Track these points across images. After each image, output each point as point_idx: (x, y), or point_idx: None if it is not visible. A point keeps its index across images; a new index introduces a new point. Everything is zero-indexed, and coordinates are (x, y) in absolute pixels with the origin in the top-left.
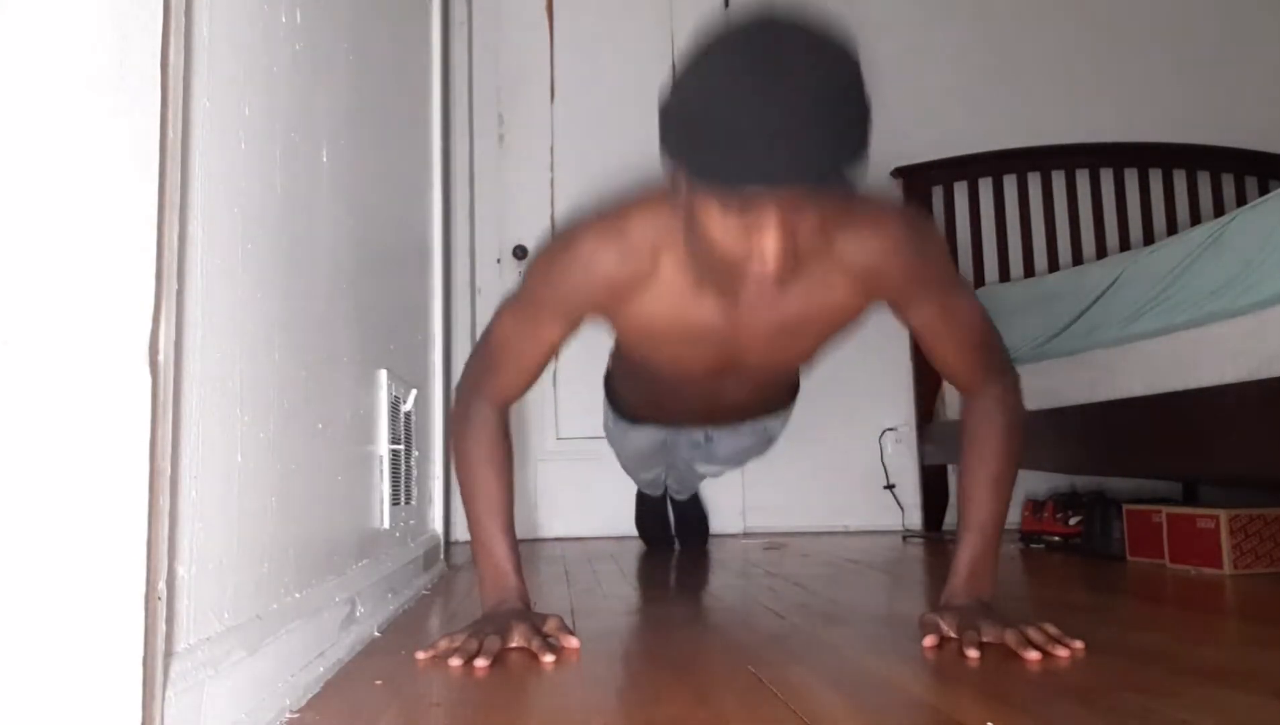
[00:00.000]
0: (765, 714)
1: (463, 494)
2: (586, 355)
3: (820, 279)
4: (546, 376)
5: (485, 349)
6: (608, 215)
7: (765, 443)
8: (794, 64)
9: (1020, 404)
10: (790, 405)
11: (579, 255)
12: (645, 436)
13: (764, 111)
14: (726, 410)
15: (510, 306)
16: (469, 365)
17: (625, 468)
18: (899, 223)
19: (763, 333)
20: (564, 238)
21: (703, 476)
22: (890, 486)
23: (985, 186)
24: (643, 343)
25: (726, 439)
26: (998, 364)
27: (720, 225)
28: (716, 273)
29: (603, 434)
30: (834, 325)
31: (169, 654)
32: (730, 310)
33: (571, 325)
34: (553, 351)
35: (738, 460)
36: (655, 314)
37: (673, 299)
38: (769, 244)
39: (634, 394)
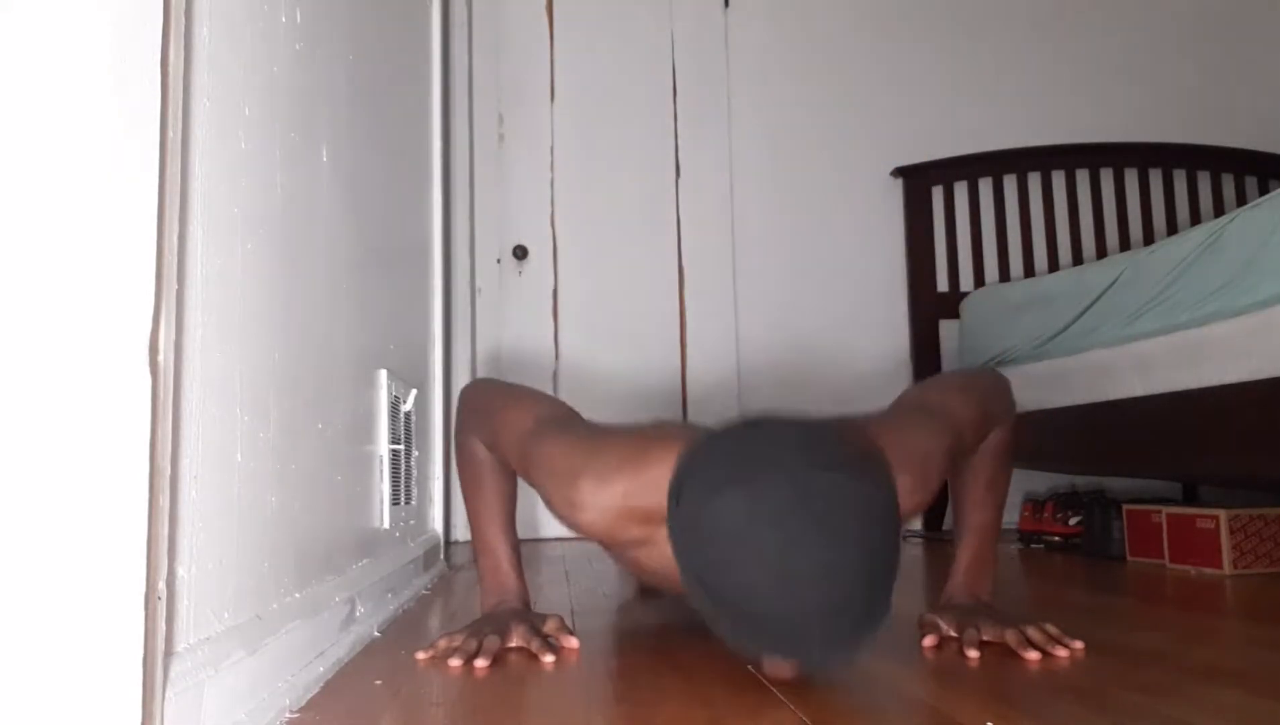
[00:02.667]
0: (765, 714)
1: (464, 492)
2: (587, 355)
3: None
4: (547, 376)
5: (489, 407)
6: (621, 465)
7: None
8: (832, 542)
9: (1012, 409)
10: None
11: (577, 503)
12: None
13: (800, 606)
14: None
15: (519, 403)
16: (471, 410)
17: None
18: (922, 453)
19: None
20: (572, 473)
21: None
22: None
23: (985, 186)
24: (641, 576)
25: None
26: (995, 416)
27: (735, 645)
28: None
29: None
30: None
31: (169, 654)
32: None
33: None
34: None
35: None
36: (653, 567)
37: (671, 565)
38: (785, 675)
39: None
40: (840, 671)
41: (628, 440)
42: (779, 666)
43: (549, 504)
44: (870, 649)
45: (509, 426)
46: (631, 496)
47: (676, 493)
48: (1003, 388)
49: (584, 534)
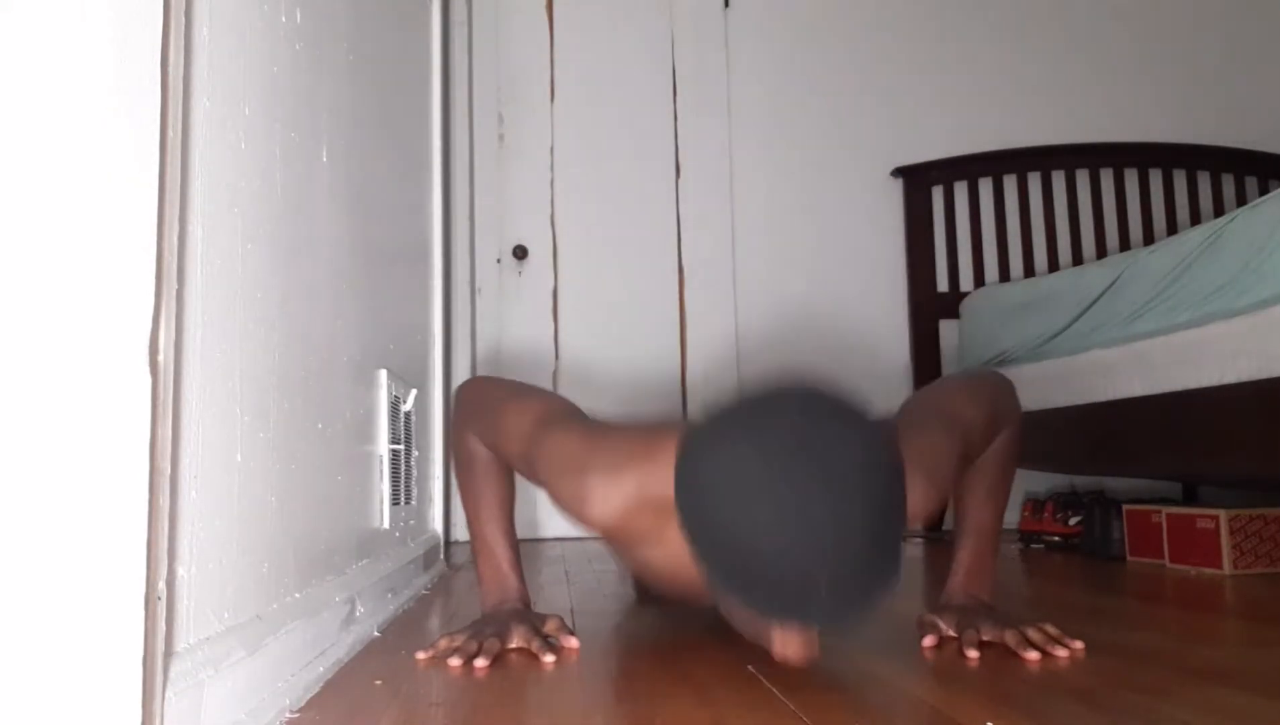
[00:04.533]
0: (765, 714)
1: (462, 493)
2: (586, 354)
3: None
4: (547, 376)
5: (489, 406)
6: (628, 458)
7: None
8: (838, 491)
9: (1018, 412)
10: None
11: (587, 498)
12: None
13: (808, 560)
14: None
15: (521, 406)
16: (470, 408)
17: None
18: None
19: None
20: (579, 468)
21: None
22: None
23: (985, 186)
24: (646, 580)
25: None
26: (1002, 418)
27: (745, 618)
28: None
29: None
30: None
31: (169, 654)
32: None
33: None
34: None
35: None
36: (661, 565)
37: (678, 560)
38: (794, 654)
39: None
40: (849, 635)
41: (634, 433)
42: (788, 644)
43: (556, 500)
44: (875, 620)
45: (511, 424)
46: (642, 488)
47: (682, 458)
48: (1008, 389)
49: (592, 529)
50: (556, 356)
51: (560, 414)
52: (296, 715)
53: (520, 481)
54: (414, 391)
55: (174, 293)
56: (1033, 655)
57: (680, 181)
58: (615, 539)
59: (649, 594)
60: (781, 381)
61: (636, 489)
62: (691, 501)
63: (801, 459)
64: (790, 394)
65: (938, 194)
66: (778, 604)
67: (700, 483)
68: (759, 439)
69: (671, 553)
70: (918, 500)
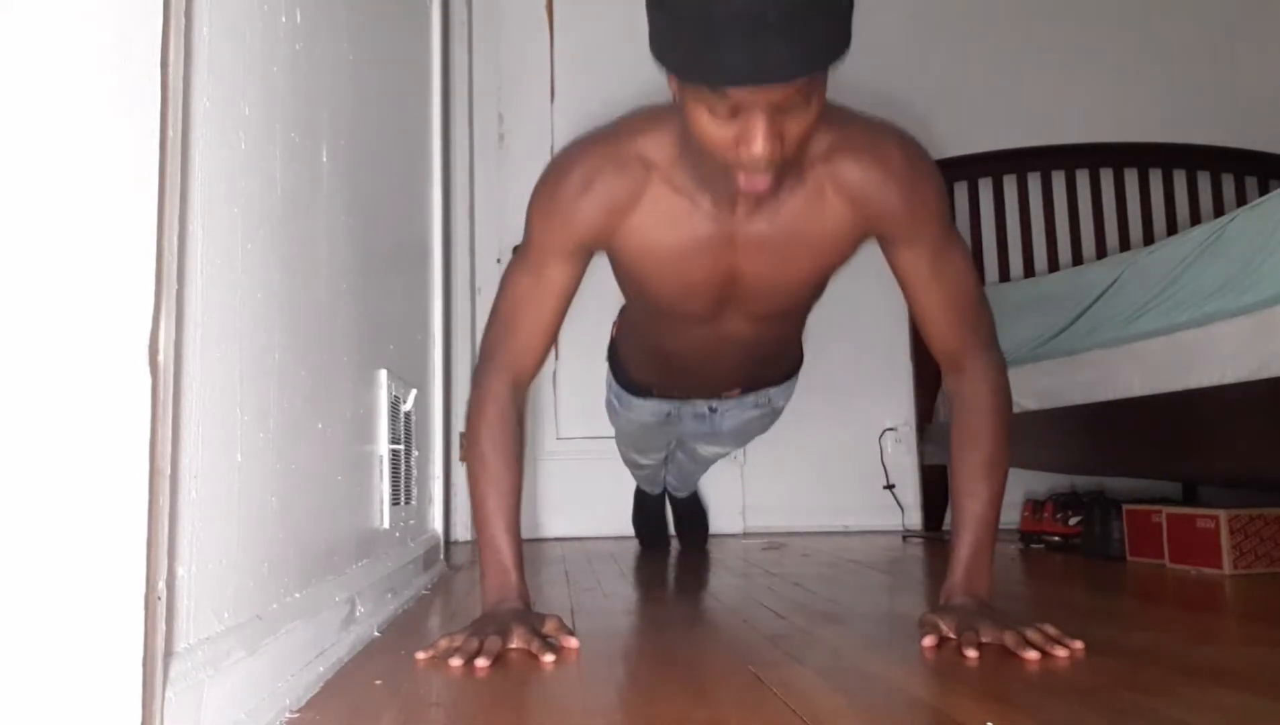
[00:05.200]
0: (765, 714)
1: (470, 484)
2: (586, 355)
3: (815, 198)
4: (546, 376)
5: (498, 313)
6: (598, 137)
7: (770, 416)
8: None
9: (1006, 383)
10: (794, 377)
11: (573, 179)
12: (649, 410)
13: (746, 3)
14: (730, 366)
15: (516, 260)
16: (484, 341)
17: (625, 455)
18: (900, 152)
19: (757, 249)
20: (556, 166)
21: (705, 464)
22: (890, 486)
23: (985, 186)
24: (643, 268)
25: (732, 411)
26: (984, 338)
27: (710, 130)
28: (711, 182)
29: (603, 434)
30: (827, 249)
31: (169, 654)
32: (726, 223)
33: (578, 262)
34: (565, 299)
35: (742, 435)
36: (653, 231)
37: (669, 214)
38: (757, 147)
39: (639, 357)
40: (800, 66)
41: (596, 135)
42: (748, 155)
43: (559, 210)
44: (835, 58)
45: (502, 295)
46: (624, 137)
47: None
48: (994, 330)
49: (593, 236)
50: (557, 356)
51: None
52: (296, 715)
53: (527, 483)
54: (414, 391)
55: (174, 293)
56: (1032, 655)
57: None
58: (609, 223)
59: (646, 378)
60: None
61: (619, 158)
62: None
63: None
64: None
65: None
66: (721, 56)
67: None
68: None
69: (666, 207)
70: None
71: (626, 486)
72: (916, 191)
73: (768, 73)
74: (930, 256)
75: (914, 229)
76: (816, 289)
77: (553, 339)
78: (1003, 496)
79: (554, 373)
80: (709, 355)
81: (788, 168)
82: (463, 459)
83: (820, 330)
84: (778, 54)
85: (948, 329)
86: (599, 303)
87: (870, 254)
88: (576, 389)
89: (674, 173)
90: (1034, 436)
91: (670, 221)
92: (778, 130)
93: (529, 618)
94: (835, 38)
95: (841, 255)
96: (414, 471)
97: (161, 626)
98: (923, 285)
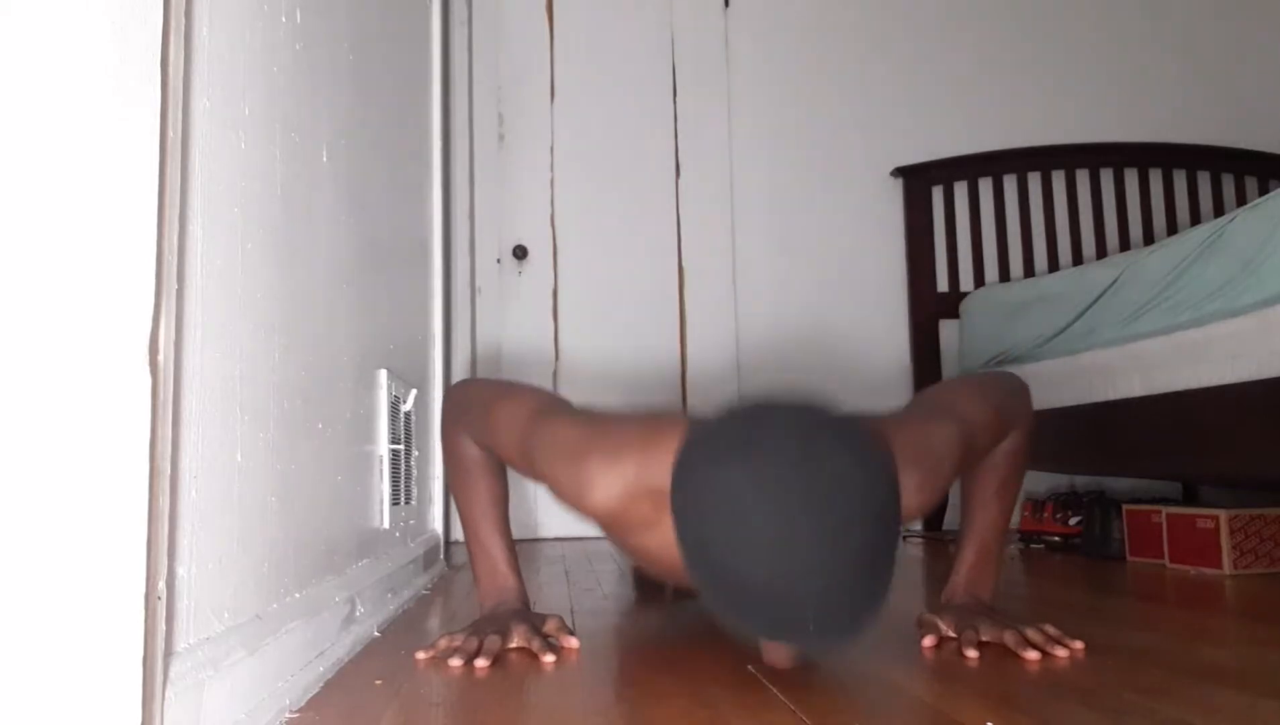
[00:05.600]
0: (765, 714)
1: (455, 494)
2: (587, 354)
3: None
4: (547, 376)
5: (488, 414)
6: (627, 446)
7: None
8: (829, 518)
9: (1030, 415)
10: None
11: (587, 484)
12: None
13: (795, 589)
14: None
15: (528, 414)
16: (468, 390)
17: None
18: (919, 475)
19: None
20: (580, 454)
21: None
22: None
23: (985, 186)
24: (642, 562)
25: None
26: (1011, 419)
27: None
28: None
29: None
30: None
31: (169, 654)
32: None
33: None
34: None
35: None
36: (658, 553)
37: (675, 550)
38: (781, 664)
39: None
40: (836, 657)
41: (633, 421)
42: (777, 652)
43: (555, 489)
44: (866, 638)
45: (505, 419)
46: (641, 476)
47: (679, 469)
48: (1020, 391)
49: (592, 517)
50: (556, 356)
51: (555, 405)
52: (296, 715)
53: (515, 481)
54: (414, 391)
55: (174, 293)
56: (1033, 655)
57: (680, 181)
58: (614, 526)
59: (648, 581)
60: (775, 395)
61: (636, 477)
62: (685, 518)
63: (793, 484)
64: (784, 410)
65: (938, 194)
66: (764, 627)
67: (693, 502)
68: (751, 461)
69: (669, 540)
70: (912, 499)
71: None
72: (947, 480)
73: (818, 648)
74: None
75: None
76: None
77: None
78: (1013, 510)
79: (554, 372)
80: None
81: None
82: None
83: (821, 333)
84: (814, 645)
85: (993, 445)
86: (600, 304)
87: (871, 253)
88: (577, 389)
89: None
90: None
91: (674, 556)
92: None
93: (529, 617)
94: (881, 596)
95: None
96: (414, 471)
97: (161, 626)
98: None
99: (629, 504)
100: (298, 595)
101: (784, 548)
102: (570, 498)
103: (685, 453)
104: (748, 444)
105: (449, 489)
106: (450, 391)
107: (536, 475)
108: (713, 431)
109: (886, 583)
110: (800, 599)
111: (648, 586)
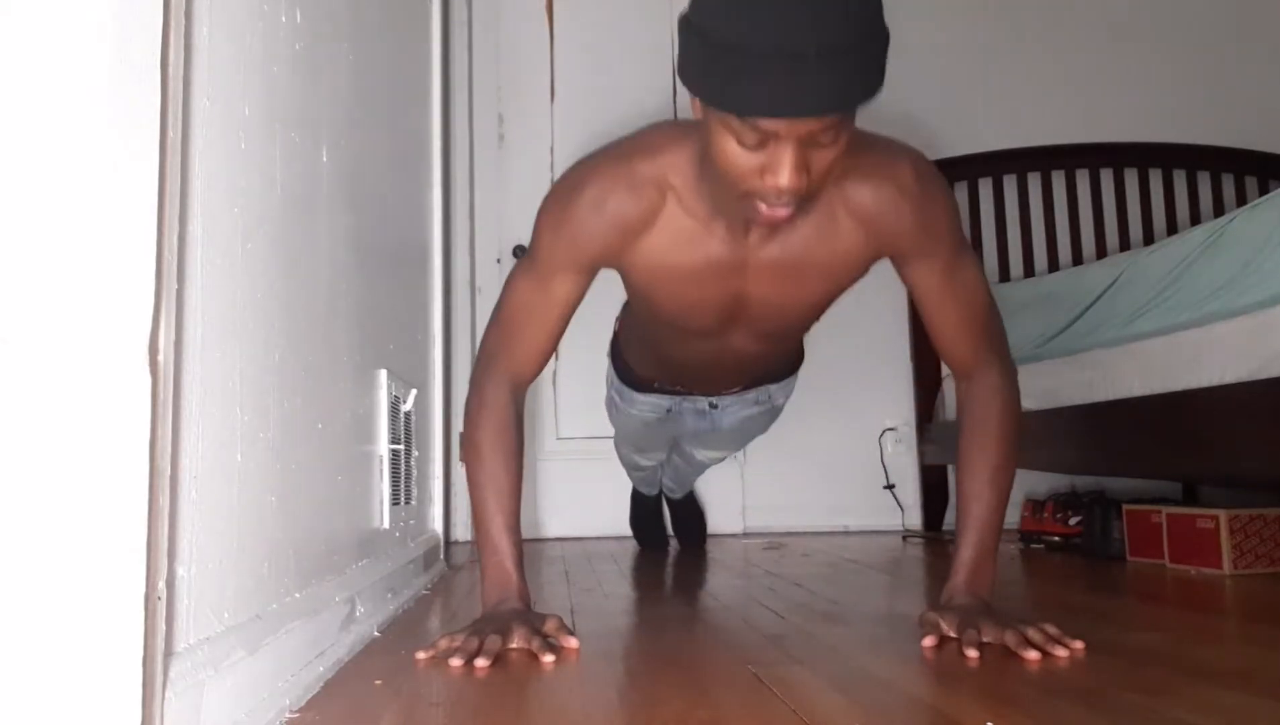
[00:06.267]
0: (765, 714)
1: (470, 485)
2: (586, 355)
3: (827, 222)
4: (546, 376)
5: (500, 318)
6: (613, 155)
7: (770, 413)
8: None
9: (1017, 393)
10: (794, 373)
11: (586, 197)
12: (650, 405)
13: (785, 34)
14: (732, 371)
15: (522, 268)
16: (484, 342)
17: (623, 456)
18: (911, 171)
19: (769, 275)
20: (570, 181)
21: (701, 468)
22: (890, 486)
23: (985, 187)
24: (652, 287)
25: (732, 408)
26: (997, 347)
27: (735, 158)
28: (727, 208)
29: (603, 434)
30: (838, 273)
31: (169, 654)
32: (738, 248)
33: (585, 277)
34: (569, 310)
35: (742, 435)
36: (665, 253)
37: (682, 236)
38: (784, 180)
39: (641, 354)
40: (840, 97)
41: (610, 151)
42: (774, 186)
43: (571, 230)
44: (869, 96)
45: (505, 300)
46: (639, 159)
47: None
48: (1005, 339)
49: (603, 254)
50: (556, 356)
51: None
52: (296, 715)
53: (527, 482)
54: (414, 391)
55: (174, 293)
56: (1033, 655)
57: None
58: (621, 242)
59: (648, 375)
60: None
61: (633, 177)
62: (683, 22)
63: None
64: None
65: None
66: (755, 88)
67: (692, 4)
68: None
69: (678, 227)
70: (972, 277)
71: (626, 486)
72: (928, 210)
73: (803, 108)
74: (943, 272)
75: (927, 246)
76: (824, 309)
77: (554, 347)
78: (1008, 501)
79: (554, 372)
80: (712, 362)
81: (809, 199)
82: (462, 459)
83: (821, 330)
84: (814, 90)
85: (961, 342)
86: (599, 303)
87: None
88: (576, 389)
89: (688, 196)
90: (1034, 436)
91: (682, 245)
92: (805, 162)
93: (529, 617)
94: (871, 75)
95: (853, 277)
96: (414, 471)
97: (161, 626)
98: (936, 300)
99: (634, 194)
100: (298, 595)
101: (772, 2)
102: (582, 228)
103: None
104: None
105: (466, 473)
106: (471, 376)
107: (549, 265)
108: None
109: (883, 41)
110: (804, 33)
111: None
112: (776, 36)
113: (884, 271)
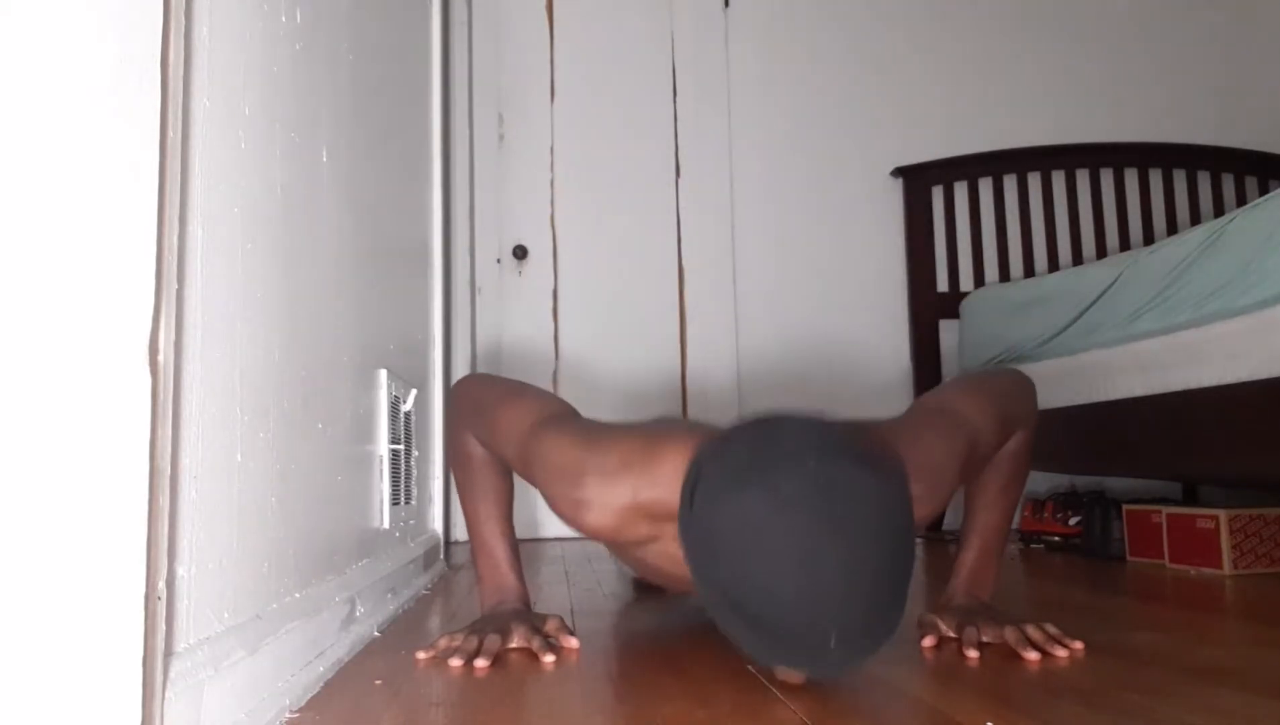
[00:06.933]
0: (765, 714)
1: (460, 491)
2: (587, 355)
3: None
4: (547, 376)
5: (491, 419)
6: (626, 464)
7: None
8: (851, 543)
9: (1034, 413)
10: None
11: (582, 504)
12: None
13: (819, 615)
14: None
15: (532, 422)
16: (474, 386)
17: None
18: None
19: None
20: (576, 471)
21: None
22: None
23: (985, 186)
24: (647, 575)
25: None
26: (1015, 420)
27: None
28: None
29: None
30: None
31: (169, 654)
32: None
33: None
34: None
35: None
36: (657, 564)
37: (675, 561)
38: (796, 680)
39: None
40: (852, 675)
41: (633, 436)
42: (791, 674)
43: (552, 504)
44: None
45: (507, 424)
46: (639, 493)
47: (690, 493)
48: (1025, 389)
49: (588, 534)
50: (556, 356)
51: (556, 415)
52: (296, 715)
53: (521, 483)
54: (414, 391)
55: (174, 293)
56: (1033, 655)
57: (680, 181)
58: (611, 542)
59: (648, 585)
60: (781, 411)
61: (632, 496)
62: (698, 544)
63: (813, 507)
64: (793, 426)
65: (938, 194)
66: (783, 653)
67: (706, 527)
68: (767, 484)
69: (670, 553)
70: (917, 509)
71: None
72: (939, 483)
73: (821, 677)
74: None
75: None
76: None
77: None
78: (1016, 510)
79: (554, 372)
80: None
81: None
82: (450, 468)
83: (821, 330)
84: (834, 668)
85: (997, 448)
86: (600, 304)
87: (871, 253)
88: (577, 389)
89: None
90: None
91: (677, 566)
92: None
93: (529, 618)
94: (895, 620)
95: None
96: (414, 471)
97: (161, 626)
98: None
99: (625, 524)
100: (298, 595)
101: (806, 574)
102: (566, 514)
103: (694, 474)
104: (761, 466)
105: (454, 485)
106: (457, 388)
107: (534, 484)
108: (721, 452)
109: (904, 597)
110: (824, 624)
111: (647, 590)
112: (799, 625)
113: (885, 271)
